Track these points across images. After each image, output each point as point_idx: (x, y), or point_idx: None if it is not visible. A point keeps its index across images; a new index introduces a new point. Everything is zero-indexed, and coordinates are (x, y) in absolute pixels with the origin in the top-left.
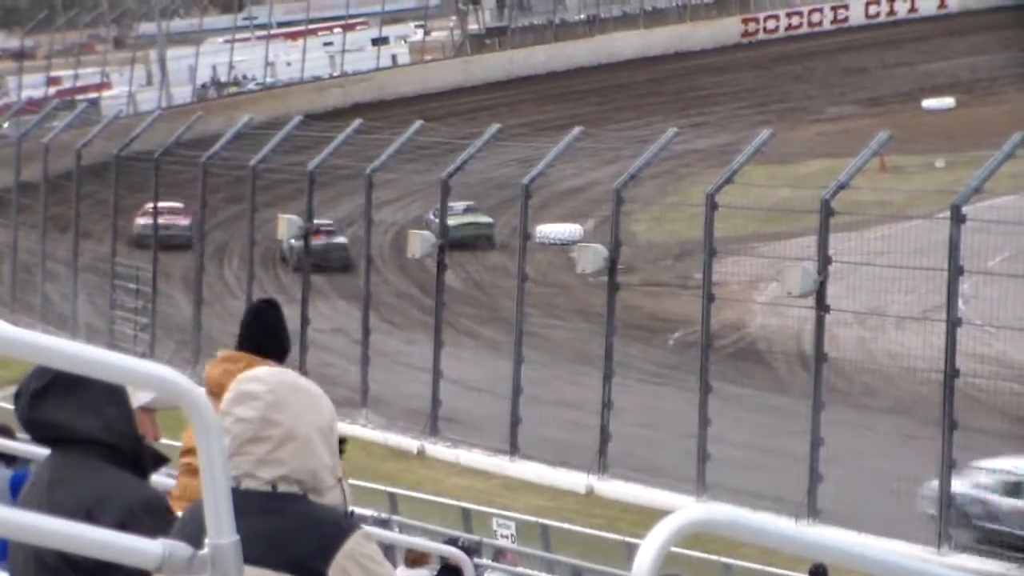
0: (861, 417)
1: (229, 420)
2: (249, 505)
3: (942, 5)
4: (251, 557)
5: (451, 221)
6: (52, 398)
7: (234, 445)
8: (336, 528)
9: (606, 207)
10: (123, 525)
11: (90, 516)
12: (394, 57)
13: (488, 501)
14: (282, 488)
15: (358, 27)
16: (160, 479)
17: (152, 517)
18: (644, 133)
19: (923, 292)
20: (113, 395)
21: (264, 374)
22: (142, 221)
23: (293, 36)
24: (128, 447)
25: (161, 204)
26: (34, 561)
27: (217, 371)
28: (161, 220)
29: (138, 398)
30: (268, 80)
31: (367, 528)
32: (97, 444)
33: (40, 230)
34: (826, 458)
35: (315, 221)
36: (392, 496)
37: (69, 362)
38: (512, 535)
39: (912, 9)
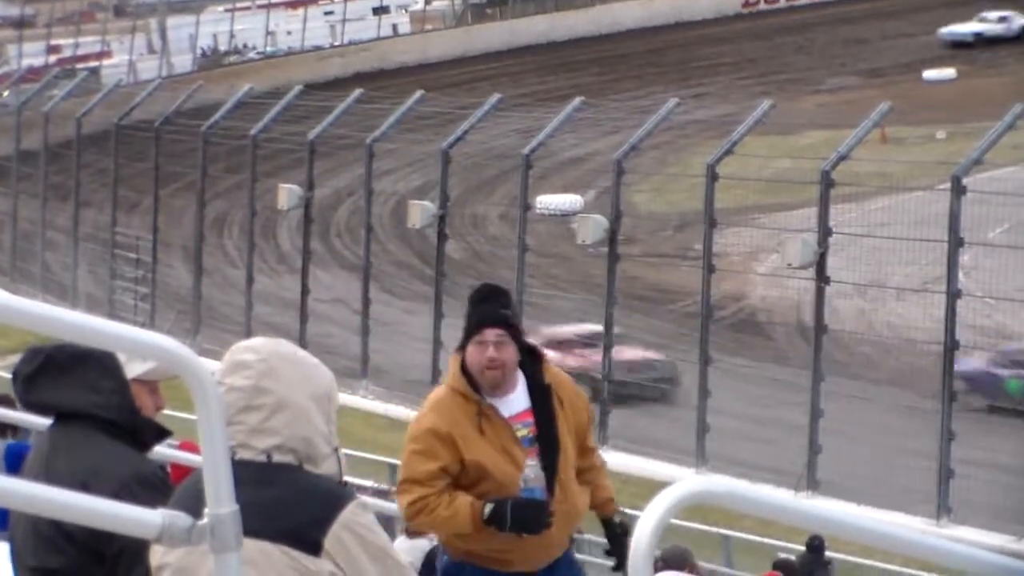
0: (860, 388)
1: (221, 390)
2: (244, 475)
3: None
4: (246, 528)
5: None
6: (44, 381)
7: (227, 415)
8: (332, 498)
9: (606, 178)
10: (117, 497)
11: (85, 487)
12: (395, 26)
13: None
14: (277, 458)
15: None
16: (164, 450)
17: (146, 489)
18: (645, 103)
19: (923, 264)
20: (106, 370)
21: (257, 344)
22: None
23: (294, 5)
24: (125, 420)
25: None
26: (31, 531)
27: None
28: None
29: (132, 369)
30: (268, 49)
31: (363, 498)
32: (95, 418)
33: (40, 199)
34: (825, 429)
35: None
36: (392, 467)
37: (69, 332)
38: None
39: None
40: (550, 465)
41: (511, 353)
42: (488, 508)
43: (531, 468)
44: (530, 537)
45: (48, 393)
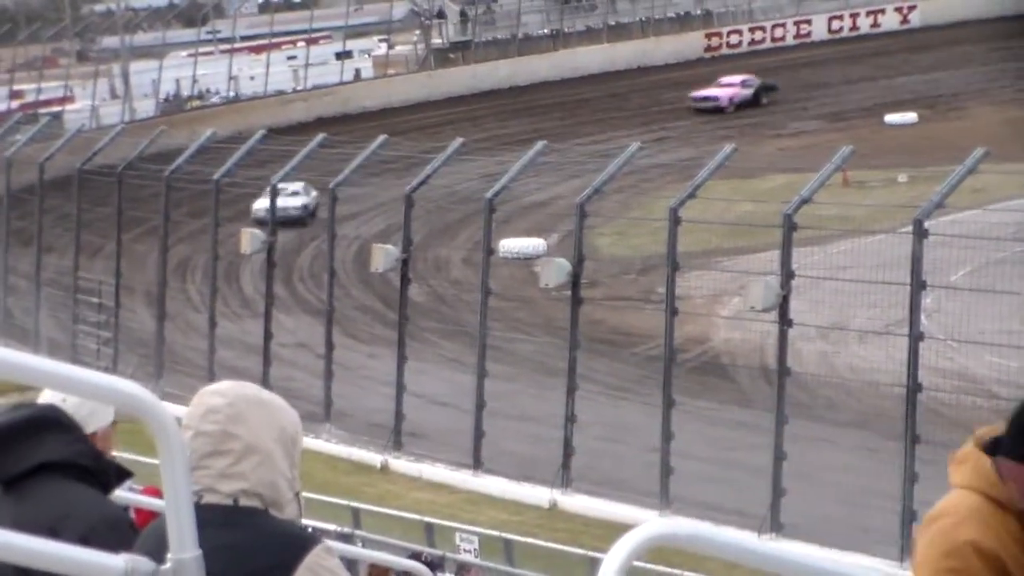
0: (824, 431)
1: (189, 434)
2: (210, 519)
3: (904, 20)
4: (212, 571)
5: None
6: (2, 456)
7: (194, 459)
8: (297, 541)
9: (569, 221)
10: (85, 541)
11: (53, 532)
12: (358, 71)
13: (451, 515)
14: (243, 502)
15: (322, 41)
16: (127, 495)
17: (114, 533)
18: (607, 147)
19: (886, 306)
20: (58, 424)
21: (224, 387)
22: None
23: (257, 50)
24: (89, 463)
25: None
26: None
27: None
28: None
29: (105, 416)
30: (231, 94)
31: (328, 542)
32: (60, 466)
33: (3, 244)
34: (789, 472)
35: None
36: (355, 511)
37: (31, 377)
38: (475, 550)
39: (875, 24)
40: None
41: None
42: None
43: None
44: None
45: (11, 465)
